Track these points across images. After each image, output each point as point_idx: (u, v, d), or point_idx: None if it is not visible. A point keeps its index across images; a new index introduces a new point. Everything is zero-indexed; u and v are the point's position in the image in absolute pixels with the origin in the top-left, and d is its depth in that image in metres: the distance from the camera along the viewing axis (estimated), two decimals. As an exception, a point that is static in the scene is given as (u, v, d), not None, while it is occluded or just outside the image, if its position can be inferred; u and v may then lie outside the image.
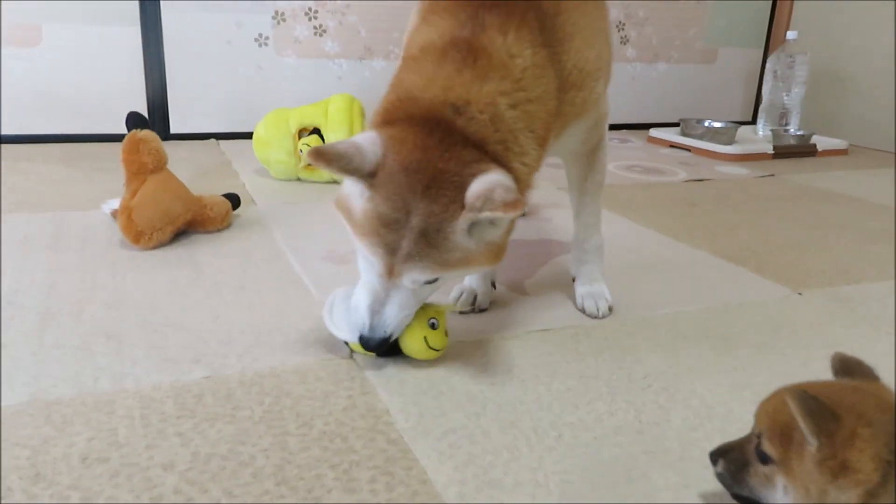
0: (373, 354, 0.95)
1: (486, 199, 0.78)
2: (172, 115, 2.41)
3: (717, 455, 0.66)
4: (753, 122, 3.21)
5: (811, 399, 0.56)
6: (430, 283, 0.88)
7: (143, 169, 1.38)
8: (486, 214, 0.79)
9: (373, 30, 2.59)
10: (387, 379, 0.93)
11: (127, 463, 0.73)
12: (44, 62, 2.23)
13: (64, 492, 0.68)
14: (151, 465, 0.73)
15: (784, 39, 2.81)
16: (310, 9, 2.49)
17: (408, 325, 0.92)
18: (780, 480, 0.59)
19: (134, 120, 1.43)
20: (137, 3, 2.28)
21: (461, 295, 1.16)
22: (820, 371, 0.85)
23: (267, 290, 1.20)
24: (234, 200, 1.55)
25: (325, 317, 0.95)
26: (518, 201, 0.78)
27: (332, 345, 1.00)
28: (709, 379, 0.97)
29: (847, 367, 0.64)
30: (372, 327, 0.88)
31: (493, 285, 1.21)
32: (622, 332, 1.10)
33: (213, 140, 2.45)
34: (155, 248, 1.36)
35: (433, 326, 0.94)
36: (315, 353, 0.98)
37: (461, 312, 1.15)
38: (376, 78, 2.63)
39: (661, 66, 3.13)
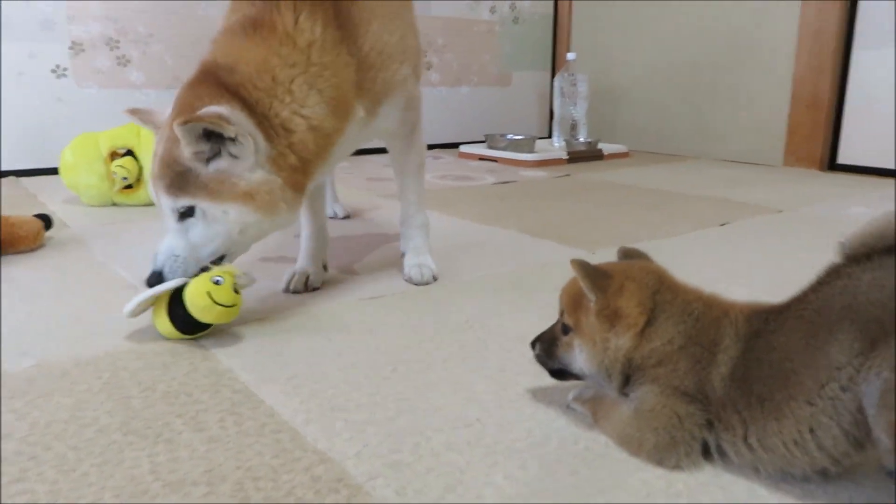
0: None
1: (179, 121, 0.89)
2: (-39, 152, 2.24)
3: (534, 342, 0.78)
4: (549, 135, 3.56)
5: (588, 264, 0.69)
6: (187, 213, 0.96)
7: (-63, 189, 1.30)
8: (181, 130, 0.90)
9: (179, 57, 2.58)
10: (226, 346, 0.97)
11: (-42, 439, 0.72)
12: None
13: None
14: (-14, 437, 0.72)
15: (566, 61, 3.17)
16: (111, 38, 2.44)
17: (192, 284, 0.95)
18: (576, 343, 0.72)
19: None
20: (-90, 35, 2.12)
21: (293, 276, 1.22)
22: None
23: (90, 292, 1.18)
24: (47, 220, 1.49)
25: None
26: (214, 116, 0.89)
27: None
28: (518, 316, 1.10)
29: (628, 254, 0.80)
30: (154, 260, 0.99)
31: (325, 268, 1.28)
32: (444, 292, 1.22)
33: (12, 177, 2.30)
34: (-42, 269, 1.28)
35: (217, 283, 0.96)
36: (151, 337, 0.99)
37: (294, 292, 1.21)
38: (188, 107, 2.61)
39: (463, 90, 3.39)
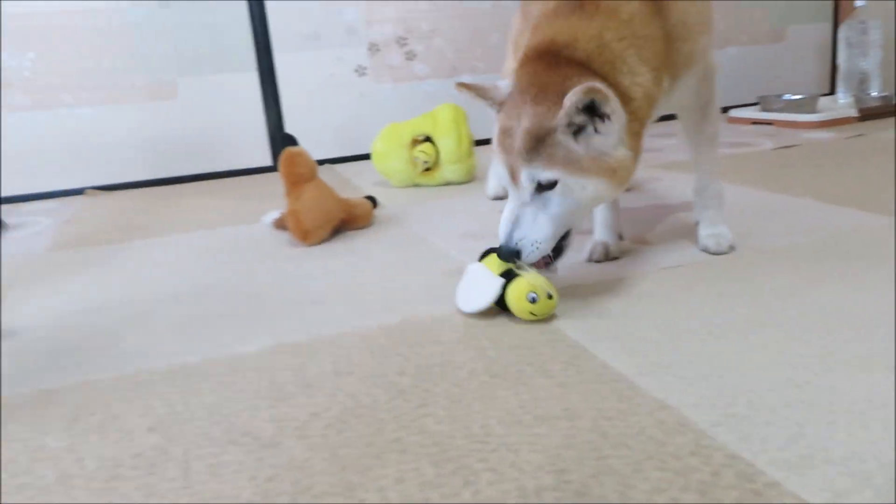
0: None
1: (575, 93, 0.94)
2: (290, 146, 2.69)
3: None
4: (831, 92, 3.26)
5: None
6: (547, 186, 1.00)
7: (300, 178, 1.62)
8: (574, 101, 0.94)
9: (457, 50, 2.81)
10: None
11: (368, 374, 0.93)
12: (179, 112, 2.55)
13: (331, 392, 0.88)
14: (388, 373, 0.93)
15: (854, 8, 2.88)
16: (400, 37, 2.74)
17: (513, 298, 1.03)
18: None
19: (284, 139, 1.68)
20: (254, 52, 2.58)
21: (594, 246, 1.33)
22: (935, 257, 0.97)
23: (423, 263, 1.40)
24: (374, 201, 1.77)
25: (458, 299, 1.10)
26: (602, 90, 0.94)
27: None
28: (833, 285, 1.10)
29: None
30: (507, 236, 1.03)
31: (621, 237, 1.37)
32: (744, 262, 1.24)
33: (327, 165, 2.71)
34: (318, 244, 1.58)
35: (533, 301, 1.02)
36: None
37: (597, 261, 1.31)
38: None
39: (731, 50, 3.24)
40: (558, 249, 1.09)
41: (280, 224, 1.67)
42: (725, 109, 3.12)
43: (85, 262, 1.61)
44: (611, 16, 1.05)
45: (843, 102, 2.89)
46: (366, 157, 2.24)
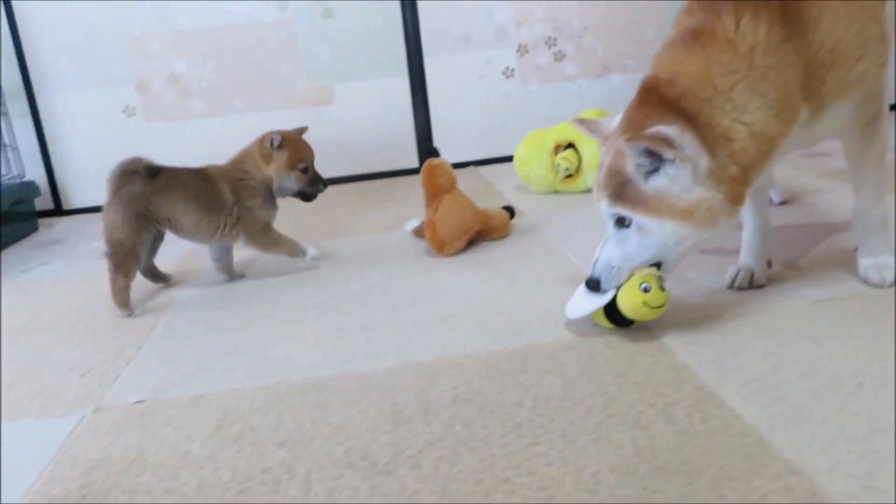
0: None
1: (636, 131, 0.98)
2: (436, 146, 2.75)
3: None
4: None
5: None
6: (625, 223, 1.04)
7: (439, 189, 1.66)
8: (632, 147, 0.98)
9: (609, 47, 2.73)
10: (681, 340, 1.06)
11: (486, 403, 0.94)
12: (336, 116, 2.69)
13: (447, 420, 0.91)
14: (505, 403, 0.93)
15: None
16: (549, 37, 2.70)
17: (625, 293, 1.06)
18: None
19: (428, 150, 1.72)
20: (405, 57, 2.67)
21: (738, 273, 1.25)
22: None
23: (554, 279, 1.39)
24: (511, 211, 1.78)
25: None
26: (658, 138, 0.96)
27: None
28: None
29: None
30: (592, 265, 1.10)
31: (770, 264, 1.28)
32: (913, 297, 1.12)
33: (472, 166, 2.75)
34: (454, 254, 1.62)
35: (646, 290, 1.04)
36: (612, 328, 1.13)
37: (739, 289, 1.24)
38: (614, 92, 2.77)
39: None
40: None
41: (419, 232, 1.72)
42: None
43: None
44: (725, 48, 0.99)
45: None
46: (510, 159, 2.24)
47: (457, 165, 2.77)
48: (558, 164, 2.08)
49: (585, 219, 1.81)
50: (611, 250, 1.08)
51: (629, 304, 1.06)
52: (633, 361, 1.01)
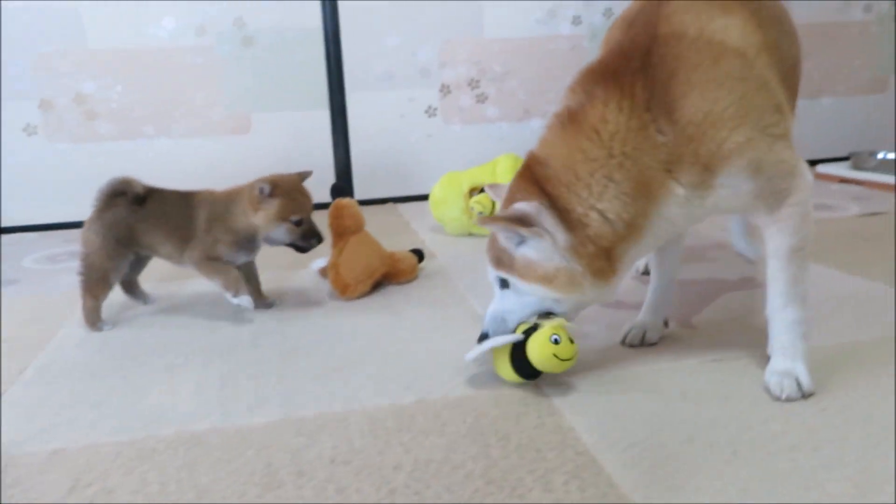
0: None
1: (491, 218, 1.04)
2: (356, 182, 2.73)
3: None
4: (936, 150, 3.02)
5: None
6: (502, 281, 1.10)
7: (345, 230, 1.62)
8: (495, 224, 1.05)
9: (530, 92, 2.78)
10: (569, 399, 1.05)
11: (365, 464, 0.91)
12: (252, 146, 2.63)
13: (321, 484, 0.87)
14: (384, 465, 0.90)
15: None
16: (472, 79, 2.73)
17: (535, 344, 1.06)
18: None
19: (337, 189, 1.69)
20: (327, 90, 2.64)
21: (630, 330, 1.26)
22: None
23: (456, 329, 1.37)
24: (420, 255, 1.76)
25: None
26: (513, 218, 1.03)
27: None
28: (889, 403, 0.99)
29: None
30: (485, 318, 1.14)
31: (666, 324, 1.29)
32: (794, 361, 1.14)
33: (390, 203, 2.73)
34: (358, 298, 1.58)
35: (556, 342, 1.05)
36: (505, 382, 1.12)
37: (630, 346, 1.25)
38: (535, 136, 2.79)
39: (826, 101, 3.06)
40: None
41: (325, 273, 1.68)
42: (813, 163, 2.94)
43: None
44: (590, 135, 1.02)
45: (946, 164, 2.67)
46: (428, 198, 2.23)
47: (375, 201, 2.76)
48: (472, 208, 2.08)
49: (494, 264, 1.81)
50: (496, 305, 1.14)
51: (539, 355, 1.06)
52: (518, 422, 1.00)
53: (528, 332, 1.08)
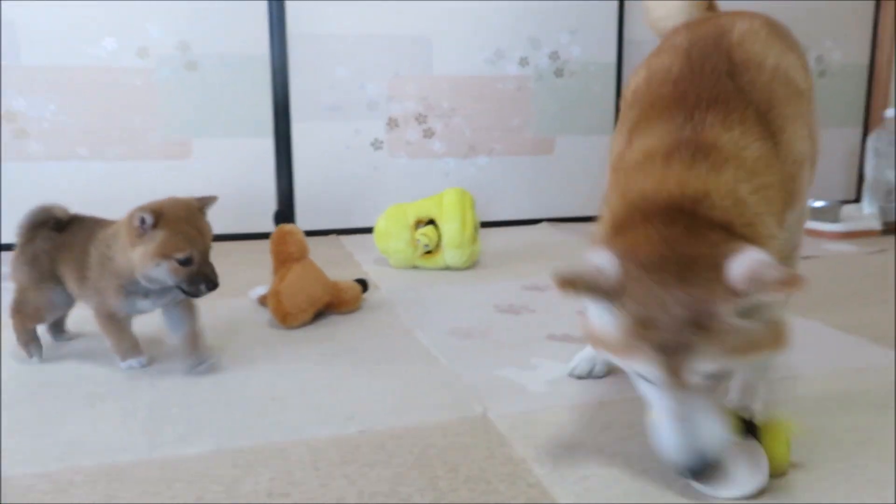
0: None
1: (757, 280, 0.75)
2: (298, 213, 2.67)
3: None
4: (857, 200, 3.18)
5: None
6: (718, 377, 0.80)
7: (289, 258, 1.57)
8: (761, 296, 0.75)
9: (476, 130, 2.80)
10: (520, 431, 1.02)
11: (305, 498, 0.85)
12: (191, 171, 2.55)
13: (257, 519, 0.81)
14: (326, 499, 0.85)
15: (883, 118, 2.83)
16: (420, 114, 2.73)
17: (772, 439, 0.88)
18: None
19: (280, 215, 1.64)
20: (272, 119, 2.59)
21: (579, 363, 1.25)
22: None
23: (401, 360, 1.33)
24: (364, 285, 1.71)
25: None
26: (795, 278, 0.73)
27: (466, 406, 1.10)
28: (831, 437, 1.00)
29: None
30: (690, 450, 0.79)
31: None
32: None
33: (333, 235, 2.68)
34: (299, 327, 1.52)
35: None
36: (452, 413, 1.08)
37: (578, 377, 1.23)
38: (480, 173, 2.82)
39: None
40: None
41: (264, 301, 1.62)
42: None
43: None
44: (738, 162, 0.87)
45: (867, 213, 2.80)
46: (373, 230, 2.19)
47: (318, 233, 2.70)
48: (418, 240, 2.06)
49: (441, 297, 1.78)
50: (704, 415, 0.81)
51: (779, 458, 0.89)
52: (467, 454, 0.96)
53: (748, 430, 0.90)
